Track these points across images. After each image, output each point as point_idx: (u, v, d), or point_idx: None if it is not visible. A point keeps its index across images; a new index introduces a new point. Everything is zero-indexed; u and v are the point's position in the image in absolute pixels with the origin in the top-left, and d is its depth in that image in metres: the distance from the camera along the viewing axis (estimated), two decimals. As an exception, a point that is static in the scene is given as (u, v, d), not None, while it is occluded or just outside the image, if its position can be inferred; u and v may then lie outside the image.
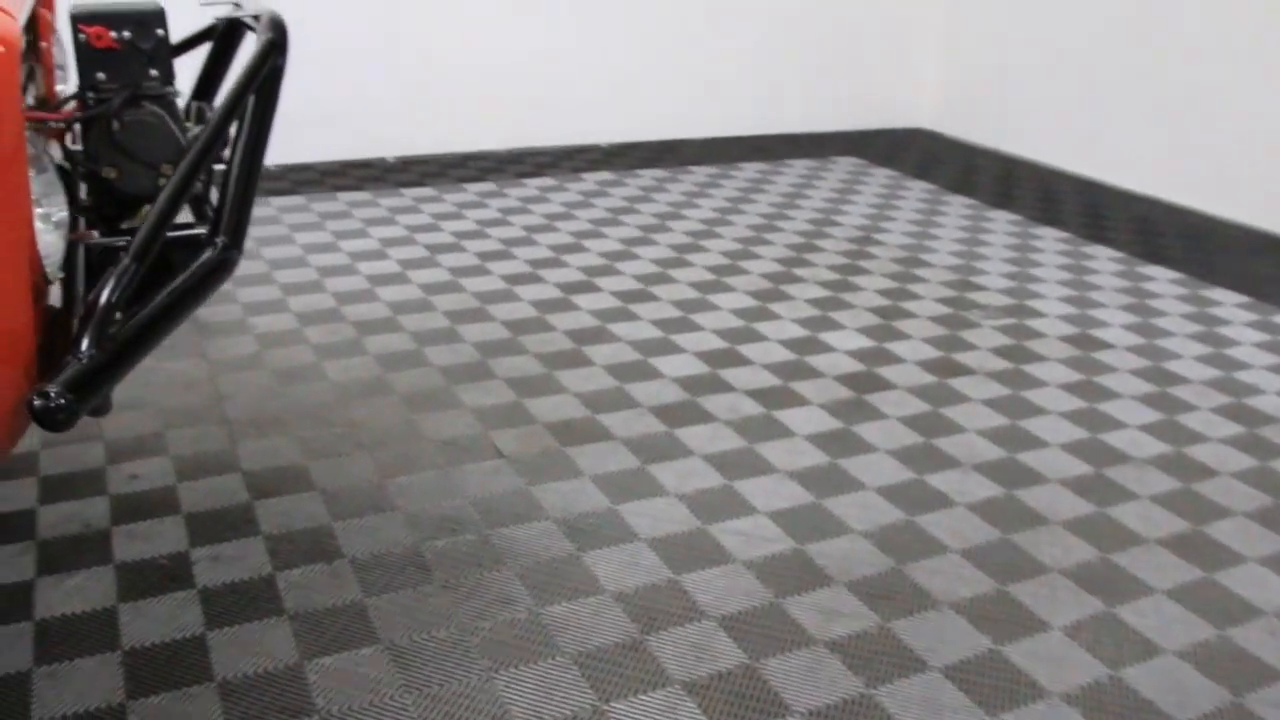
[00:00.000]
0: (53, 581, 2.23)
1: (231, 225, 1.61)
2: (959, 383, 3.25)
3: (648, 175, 5.44)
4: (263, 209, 4.69)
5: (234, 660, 2.02)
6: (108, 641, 2.06)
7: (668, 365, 3.29)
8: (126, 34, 1.59)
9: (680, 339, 3.48)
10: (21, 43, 1.18)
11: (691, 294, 3.88)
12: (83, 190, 1.72)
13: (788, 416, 3.00)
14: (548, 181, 5.26)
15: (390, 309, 3.64)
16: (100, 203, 1.73)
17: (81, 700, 1.91)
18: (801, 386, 3.18)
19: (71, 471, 2.62)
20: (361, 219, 4.60)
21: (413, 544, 2.38)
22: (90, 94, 1.61)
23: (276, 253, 4.15)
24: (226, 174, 1.63)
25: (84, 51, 1.59)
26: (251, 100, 1.67)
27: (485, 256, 4.18)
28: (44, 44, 2.19)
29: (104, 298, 1.29)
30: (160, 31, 1.63)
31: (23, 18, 1.41)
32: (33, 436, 2.77)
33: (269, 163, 5.36)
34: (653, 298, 3.82)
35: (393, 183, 5.17)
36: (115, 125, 1.62)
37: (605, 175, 5.41)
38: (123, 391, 3.01)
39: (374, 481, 2.61)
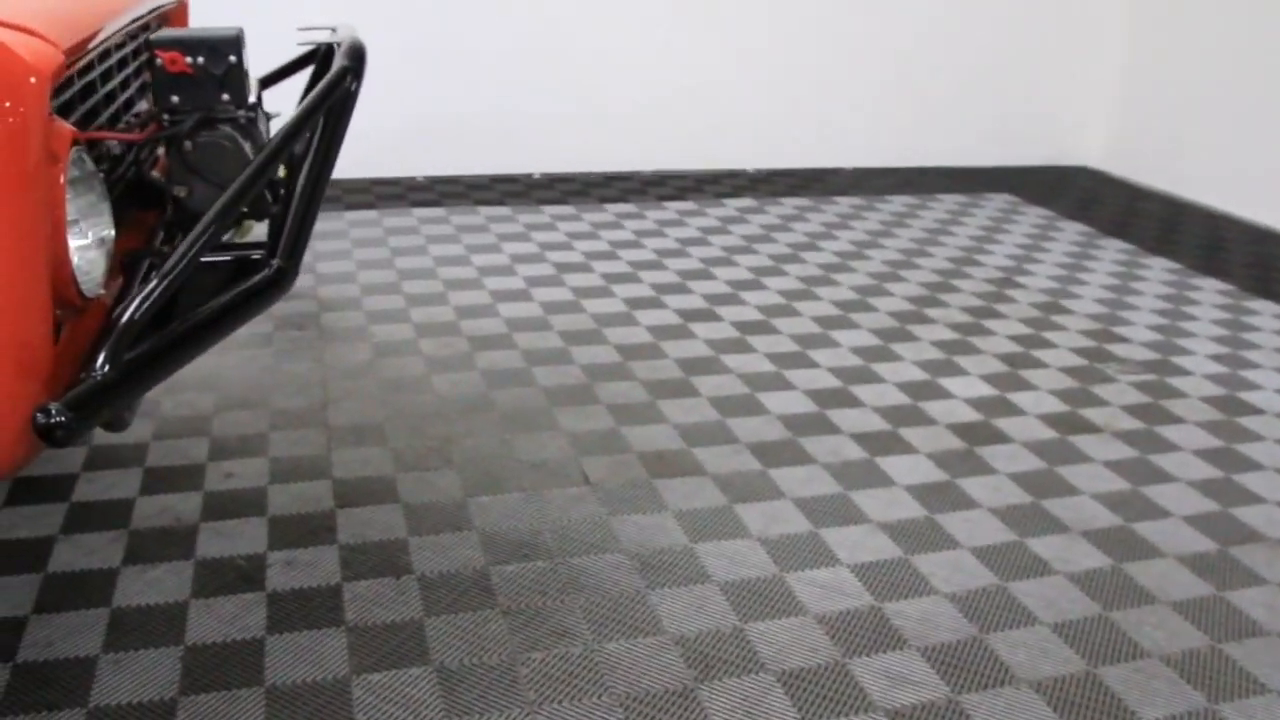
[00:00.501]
0: (135, 572, 2.30)
1: (288, 246, 1.63)
2: (1082, 440, 3.05)
3: (790, 204, 5.35)
4: (403, 219, 4.81)
5: (286, 667, 2.04)
6: (173, 636, 2.11)
7: (775, 401, 3.20)
8: (200, 59, 1.64)
9: (793, 375, 3.38)
10: (55, 71, 1.21)
11: (813, 328, 3.77)
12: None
13: (891, 464, 2.87)
14: (688, 205, 5.23)
15: (507, 325, 3.67)
16: (178, 221, 1.78)
17: (138, 690, 1.96)
18: (911, 433, 3.04)
19: (174, 465, 2.72)
20: (497, 234, 4.66)
21: (483, 566, 2.37)
22: (166, 116, 1.66)
23: (408, 263, 4.24)
24: (289, 195, 1.65)
25: (160, 75, 1.64)
26: (320, 123, 1.69)
27: (610, 278, 4.17)
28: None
29: (126, 315, 1.31)
30: (233, 58, 1.67)
31: (99, 39, 1.46)
32: (146, 428, 2.89)
33: (417, 174, 5.50)
34: (773, 330, 3.73)
35: (534, 199, 5.22)
36: (188, 146, 1.67)
37: (747, 202, 5.35)
38: (237, 388, 3.12)
39: (457, 499, 2.61)
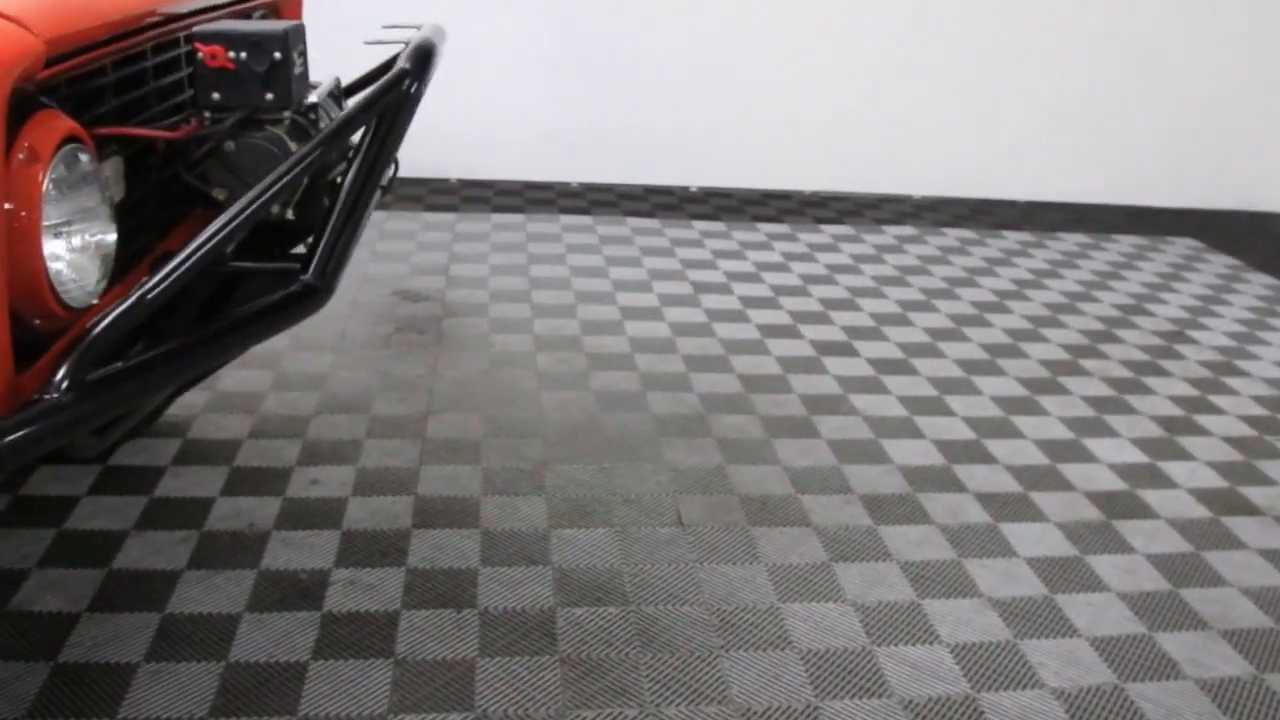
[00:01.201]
0: (197, 577, 2.25)
1: (322, 263, 1.51)
2: (1237, 523, 2.68)
3: (953, 235, 5.02)
4: (548, 225, 4.73)
5: (324, 696, 1.94)
6: (218, 650, 2.04)
7: (899, 451, 2.94)
8: (243, 55, 1.55)
9: (924, 422, 3.12)
10: (25, 63, 1.11)
11: (955, 372, 3.48)
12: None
13: (1015, 532, 2.58)
14: (844, 230, 4.98)
15: (631, 345, 3.52)
16: None
17: (168, 706, 1.89)
18: (1043, 499, 2.74)
19: (262, 467, 2.67)
20: (640, 247, 4.53)
21: (551, 606, 2.22)
22: (208, 114, 1.57)
23: (543, 271, 4.15)
24: (330, 204, 1.54)
25: (201, 70, 1.55)
26: (372, 129, 1.57)
27: (748, 302, 3.98)
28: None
29: (95, 330, 1.20)
30: (277, 54, 1.57)
31: (134, 29, 1.37)
32: (243, 424, 2.86)
33: (572, 180, 5.42)
34: (911, 371, 3.47)
35: (686, 213, 5.07)
36: (230, 146, 1.58)
37: (907, 230, 5.05)
38: (343, 390, 3.07)
39: (539, 530, 2.48)
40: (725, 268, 4.35)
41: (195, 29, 1.54)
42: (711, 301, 3.96)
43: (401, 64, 1.60)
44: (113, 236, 1.33)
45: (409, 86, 1.57)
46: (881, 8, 5.22)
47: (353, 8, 4.80)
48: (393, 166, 2.11)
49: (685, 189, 5.47)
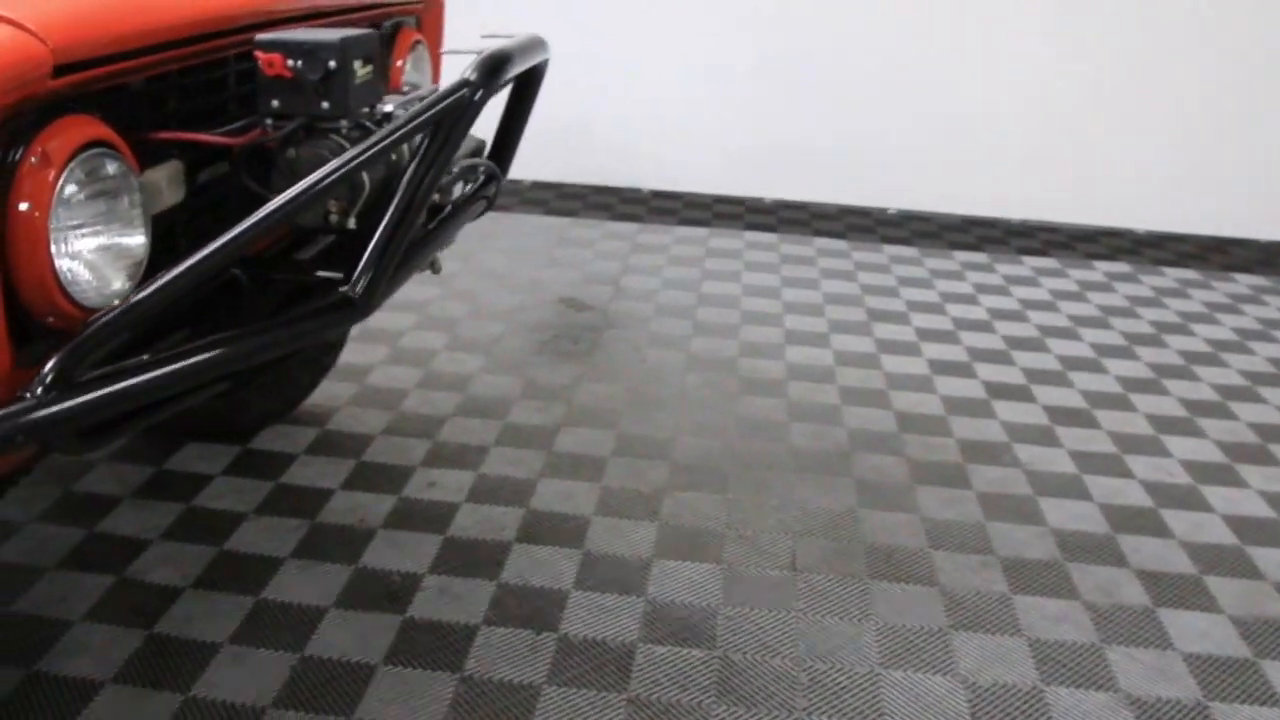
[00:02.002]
0: (298, 566, 2.28)
1: (366, 276, 1.47)
2: None
3: (1173, 275, 4.59)
4: (730, 240, 4.63)
5: (383, 703, 1.92)
6: (297, 641, 2.06)
7: (1057, 512, 2.68)
8: (299, 63, 1.53)
9: (1094, 482, 2.83)
10: (27, 70, 1.12)
11: (1144, 429, 3.16)
12: None
13: (1176, 621, 2.30)
14: (1048, 263, 4.64)
15: (788, 371, 3.38)
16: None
17: (237, 690, 1.92)
18: (1221, 585, 2.43)
19: (388, 464, 2.70)
20: (822, 268, 4.36)
21: (633, 640, 2.13)
22: (269, 121, 1.57)
23: (714, 288, 4.06)
24: (378, 214, 1.50)
25: (261, 78, 1.55)
26: (427, 140, 1.52)
27: (925, 335, 3.75)
28: (397, 62, 2.24)
29: (86, 331, 1.19)
30: (332, 63, 1.54)
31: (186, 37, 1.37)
32: (380, 420, 2.91)
33: (764, 195, 5.30)
34: (1092, 423, 3.17)
35: (879, 236, 4.86)
36: (290, 154, 1.57)
37: (1121, 267, 4.66)
38: (485, 394, 3.07)
39: (642, 559, 2.39)
40: (908, 296, 4.13)
41: (257, 36, 1.54)
42: (885, 331, 3.76)
43: (467, 73, 1.55)
44: (141, 240, 1.34)
45: (470, 96, 1.52)
46: (1104, 29, 4.84)
47: (502, 17, 4.85)
48: (493, 179, 2.06)
49: (883, 210, 5.24)
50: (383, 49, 2.21)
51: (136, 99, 1.41)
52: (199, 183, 1.53)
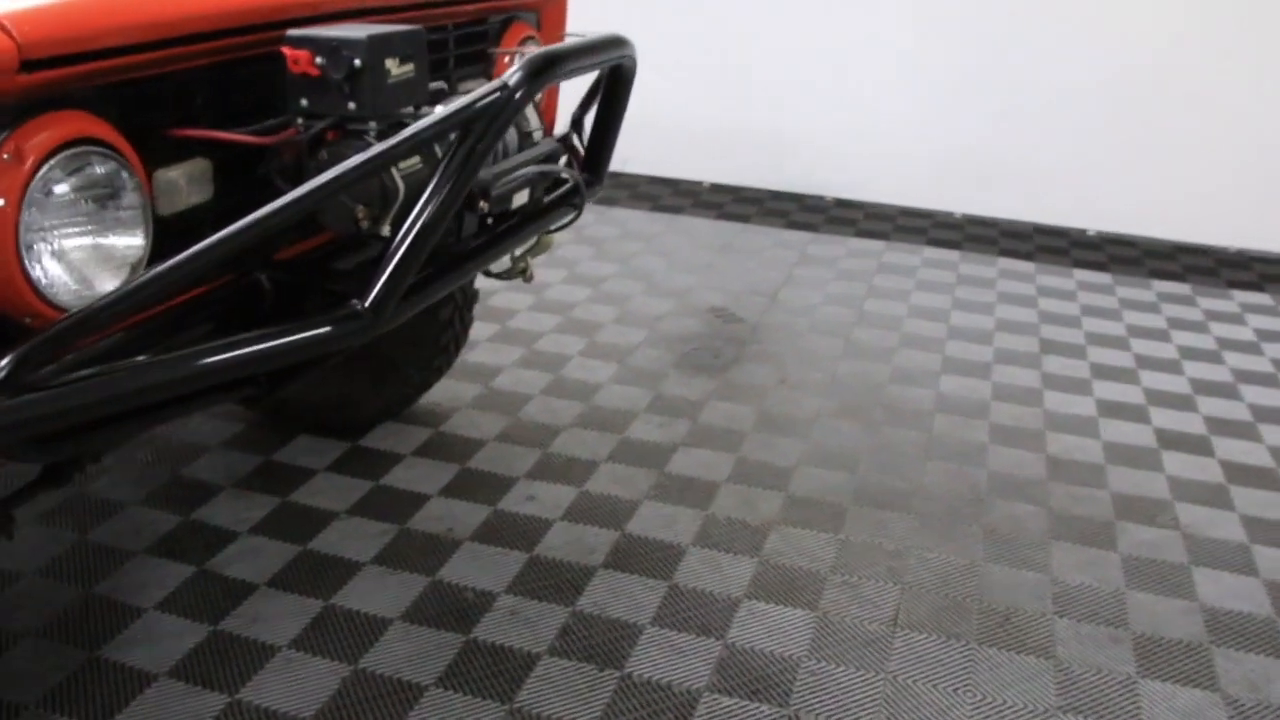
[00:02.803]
0: (375, 574, 2.25)
1: (376, 290, 1.39)
2: None
3: None
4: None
5: (423, 731, 1.85)
6: (354, 652, 2.02)
7: (1213, 586, 2.36)
8: (324, 61, 1.46)
9: (1264, 554, 2.49)
10: None
11: (1344, 499, 2.76)
12: None
13: (1338, 733, 1.97)
14: (1260, 299, 4.16)
15: (934, 402, 3.14)
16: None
17: (282, 698, 1.90)
18: (1400, 697, 2.07)
19: (490, 472, 2.65)
20: (1000, 292, 4.06)
21: (699, 688, 1.99)
22: (300, 121, 1.50)
23: (879, 307, 3.83)
24: (394, 229, 1.42)
25: (289, 76, 1.48)
26: (454, 143, 1.43)
27: (1099, 371, 3.42)
28: (504, 59, 2.16)
29: (43, 336, 1.14)
30: (357, 62, 1.46)
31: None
32: (496, 425, 2.86)
33: (955, 210, 5.00)
34: (1274, 485, 2.79)
35: (1071, 259, 4.49)
36: (324, 155, 1.50)
37: (1353, 308, 4.13)
38: (608, 405, 2.98)
39: (731, 596, 2.24)
40: (1090, 327, 3.78)
41: (288, 32, 1.48)
42: (1054, 364, 3.45)
43: (508, 75, 1.45)
44: (136, 241, 1.30)
45: (503, 101, 1.42)
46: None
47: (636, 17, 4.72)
48: (576, 190, 1.95)
49: (1081, 232, 4.85)
50: (489, 45, 2.13)
51: (152, 95, 1.37)
52: (232, 180, 1.49)
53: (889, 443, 2.88)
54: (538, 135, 1.89)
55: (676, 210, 4.87)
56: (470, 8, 2.02)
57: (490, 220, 1.73)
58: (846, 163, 5.01)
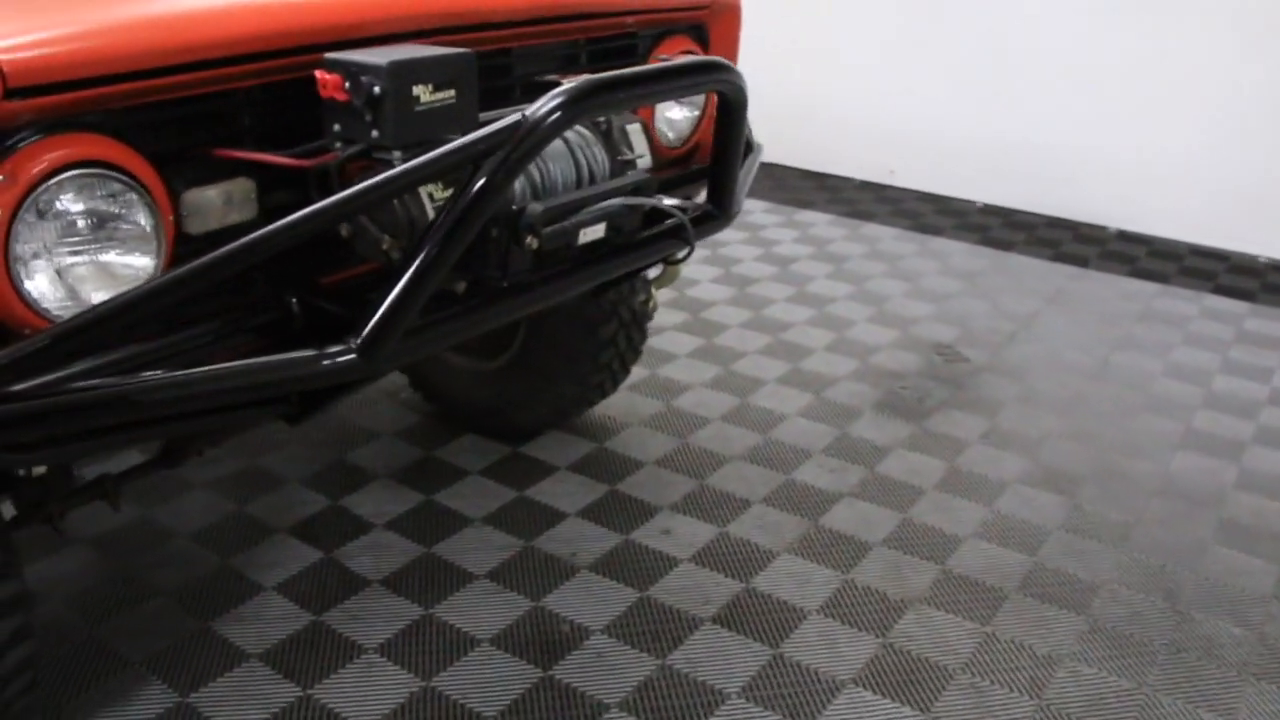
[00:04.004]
0: (484, 589, 2.26)
1: (374, 329, 1.34)
2: None
3: None
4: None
5: (468, 765, 1.84)
6: (431, 668, 2.04)
7: None
8: (350, 86, 1.41)
9: None
10: None
11: None
12: None
13: None
14: None
15: (1155, 483, 2.76)
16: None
17: (344, 703, 1.93)
18: None
19: (636, 498, 2.59)
20: (1236, 332, 3.52)
21: (770, 774, 1.85)
22: (338, 145, 1.47)
23: (1135, 362, 3.42)
24: (399, 262, 1.37)
25: (323, 99, 1.45)
26: (467, 177, 1.36)
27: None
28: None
29: (18, 347, 1.18)
30: (376, 89, 1.40)
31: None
32: (661, 447, 2.79)
33: (1261, 254, 4.39)
34: None
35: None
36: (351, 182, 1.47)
37: None
38: (780, 435, 2.83)
39: (836, 680, 2.07)
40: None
41: (325, 55, 1.45)
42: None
43: (545, 102, 1.36)
44: (143, 261, 1.33)
45: (523, 132, 1.34)
46: None
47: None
48: (682, 225, 1.82)
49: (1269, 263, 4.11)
50: (636, 62, 2.05)
51: (180, 116, 1.39)
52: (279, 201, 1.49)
53: (1086, 523, 2.56)
54: (643, 162, 1.78)
55: (935, 231, 4.57)
56: (606, 21, 1.94)
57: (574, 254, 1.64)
58: (1134, 190, 4.51)
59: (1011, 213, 4.81)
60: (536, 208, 1.50)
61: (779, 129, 5.24)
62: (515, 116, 1.37)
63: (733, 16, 2.23)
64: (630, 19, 1.98)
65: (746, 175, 2.17)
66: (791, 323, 3.60)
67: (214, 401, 1.32)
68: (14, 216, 1.21)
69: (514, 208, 1.50)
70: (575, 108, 1.39)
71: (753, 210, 4.74)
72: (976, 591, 2.31)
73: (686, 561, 2.37)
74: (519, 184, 1.57)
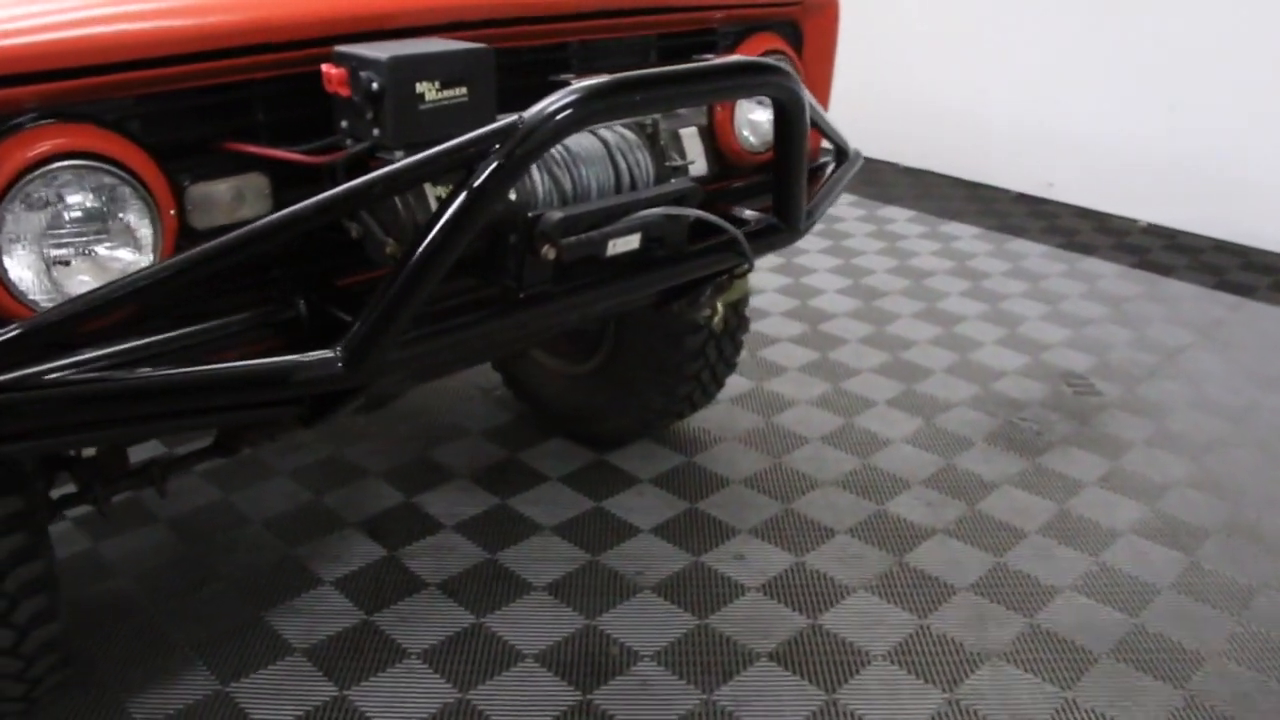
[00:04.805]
0: (538, 601, 2.22)
1: (354, 340, 1.29)
2: None
3: None
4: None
5: (488, 786, 1.79)
6: (472, 678, 2.01)
7: None
8: (350, 82, 1.35)
9: None
10: None
11: None
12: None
13: None
14: None
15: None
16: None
17: (379, 710, 1.92)
18: None
19: (716, 519, 2.50)
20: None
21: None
22: (349, 141, 1.41)
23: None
24: (396, 267, 1.31)
25: (331, 95, 1.40)
26: (458, 183, 1.29)
27: None
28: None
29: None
30: (375, 85, 1.33)
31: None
32: (744, 464, 2.69)
33: None
34: None
35: None
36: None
37: None
38: (890, 467, 2.69)
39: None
40: None
41: (335, 48, 1.39)
42: None
43: (541, 106, 1.28)
44: (132, 253, 1.32)
45: (513, 139, 1.26)
46: None
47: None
48: (735, 240, 1.69)
49: None
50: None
51: (185, 109, 1.37)
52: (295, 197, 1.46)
53: (1203, 585, 2.33)
54: (698, 169, 1.67)
55: (1089, 250, 4.28)
56: (679, 16, 1.84)
57: (603, 263, 1.56)
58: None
59: (1176, 234, 4.46)
60: (554, 216, 1.42)
61: (930, 133, 5.03)
62: (512, 118, 1.30)
63: (829, 14, 2.09)
64: (700, 14, 1.88)
65: (833, 186, 2.05)
66: (914, 341, 3.42)
67: (194, 402, 1.30)
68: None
69: (530, 215, 1.43)
70: (578, 111, 1.31)
71: (895, 219, 4.54)
72: (1063, 651, 2.12)
73: (754, 590, 2.27)
74: (543, 189, 1.50)
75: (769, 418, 2.93)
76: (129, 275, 1.26)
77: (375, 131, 1.38)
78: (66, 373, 1.25)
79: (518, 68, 1.64)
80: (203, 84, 1.36)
